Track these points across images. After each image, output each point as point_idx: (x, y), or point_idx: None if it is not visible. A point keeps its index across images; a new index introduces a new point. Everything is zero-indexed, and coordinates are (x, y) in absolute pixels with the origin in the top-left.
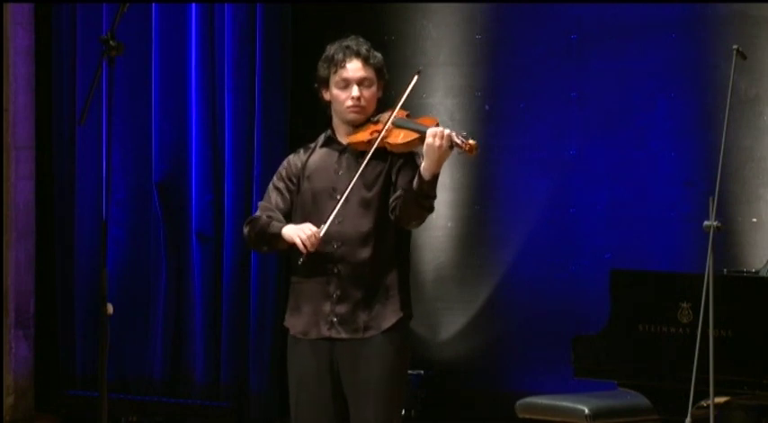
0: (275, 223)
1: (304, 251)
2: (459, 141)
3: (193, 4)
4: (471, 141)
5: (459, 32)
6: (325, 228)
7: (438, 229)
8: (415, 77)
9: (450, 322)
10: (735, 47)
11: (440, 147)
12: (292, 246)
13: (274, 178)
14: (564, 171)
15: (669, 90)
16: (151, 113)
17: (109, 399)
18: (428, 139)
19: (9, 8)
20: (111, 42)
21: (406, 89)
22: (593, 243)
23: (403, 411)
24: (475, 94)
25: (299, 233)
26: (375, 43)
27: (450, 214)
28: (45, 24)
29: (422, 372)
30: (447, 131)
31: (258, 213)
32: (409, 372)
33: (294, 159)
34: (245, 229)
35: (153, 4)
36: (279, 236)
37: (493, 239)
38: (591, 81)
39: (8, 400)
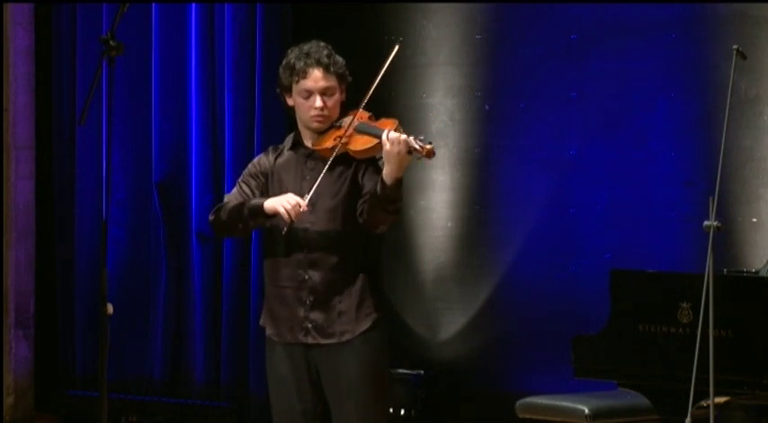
0: (254, 199)
1: (287, 219)
2: (416, 146)
3: (193, 4)
4: (428, 146)
5: (460, 32)
6: (308, 198)
7: (438, 229)
8: (396, 48)
9: (450, 322)
10: (735, 47)
11: (398, 153)
12: (272, 217)
13: (243, 175)
14: (564, 171)
15: (669, 90)
16: (151, 113)
17: (109, 399)
18: (385, 146)
19: (9, 8)
20: (111, 42)
21: (386, 61)
22: (593, 243)
23: (402, 411)
24: (475, 94)
25: (282, 203)
26: (375, 43)
27: (450, 214)
28: (45, 24)
29: (422, 372)
30: (404, 137)
31: (225, 201)
32: (409, 372)
33: (263, 159)
34: (212, 217)
35: (153, 4)
36: (260, 208)
37: (493, 239)
38: (591, 81)
39: (8, 400)
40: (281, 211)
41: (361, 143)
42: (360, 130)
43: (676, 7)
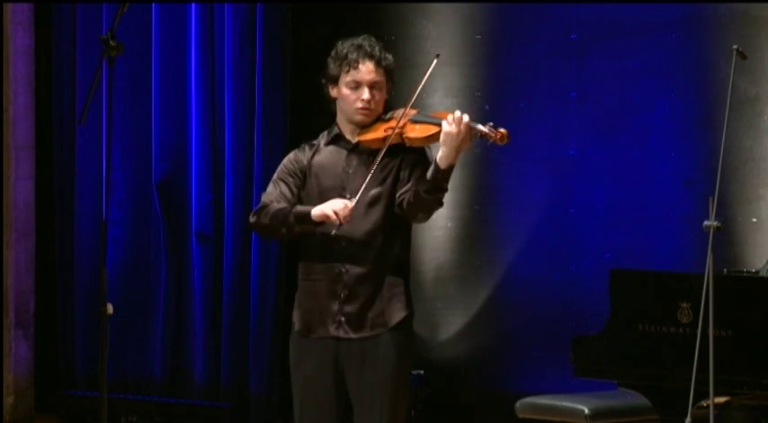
0: (299, 206)
1: (338, 223)
2: (486, 130)
3: (193, 4)
4: (502, 130)
5: (460, 32)
6: (355, 200)
7: (438, 229)
8: (434, 62)
9: (450, 322)
10: (735, 47)
11: (458, 133)
12: (320, 224)
13: (280, 172)
14: (564, 171)
15: (669, 90)
16: (151, 113)
17: (109, 399)
18: (445, 127)
19: (9, 8)
20: (111, 42)
21: (425, 74)
22: (593, 243)
23: None
24: (475, 94)
25: (331, 207)
26: None
27: (450, 214)
28: (45, 24)
29: (422, 372)
30: (466, 118)
31: (265, 201)
32: None
33: (299, 156)
34: (253, 218)
35: (153, 4)
36: (307, 216)
37: (493, 239)
38: (591, 81)
39: (8, 400)
40: (332, 215)
41: (420, 131)
42: (415, 120)
43: (676, 7)
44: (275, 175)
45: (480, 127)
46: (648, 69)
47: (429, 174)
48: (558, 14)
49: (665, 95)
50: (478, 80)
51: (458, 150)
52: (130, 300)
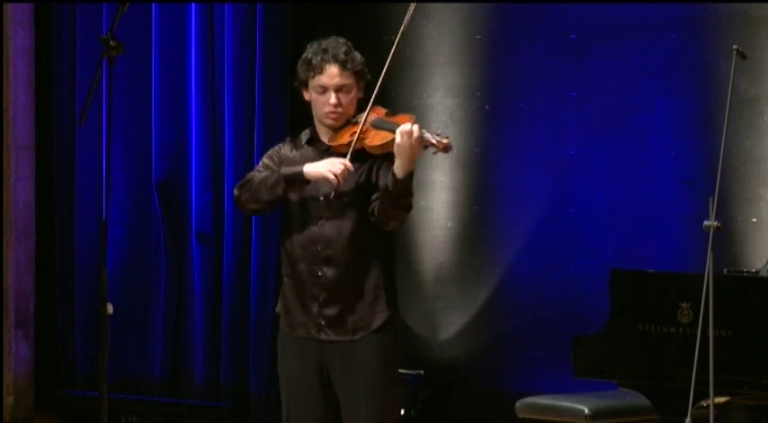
0: (287, 167)
1: (336, 184)
2: (433, 141)
3: (193, 4)
4: (444, 140)
5: (460, 32)
6: (348, 157)
7: (438, 229)
8: (412, 6)
9: (450, 322)
10: (735, 47)
11: (410, 146)
12: (308, 183)
13: (265, 160)
14: (564, 171)
15: (669, 90)
16: (151, 113)
17: (109, 399)
18: (397, 139)
19: (9, 8)
20: (111, 42)
21: (402, 24)
22: (593, 243)
23: (402, 411)
24: (475, 94)
25: (328, 167)
26: (375, 43)
27: (450, 214)
28: (45, 24)
29: (422, 372)
30: (416, 130)
31: (249, 177)
32: (409, 372)
33: (282, 149)
34: (237, 191)
35: (153, 4)
36: (299, 175)
37: (493, 239)
38: (591, 81)
39: (8, 400)
40: (330, 176)
41: (378, 138)
42: (376, 126)
43: (676, 7)
44: (260, 164)
45: (428, 137)
46: (648, 69)
47: (389, 184)
48: (558, 14)
49: (665, 95)
50: (478, 80)
51: (412, 159)
52: (130, 300)
